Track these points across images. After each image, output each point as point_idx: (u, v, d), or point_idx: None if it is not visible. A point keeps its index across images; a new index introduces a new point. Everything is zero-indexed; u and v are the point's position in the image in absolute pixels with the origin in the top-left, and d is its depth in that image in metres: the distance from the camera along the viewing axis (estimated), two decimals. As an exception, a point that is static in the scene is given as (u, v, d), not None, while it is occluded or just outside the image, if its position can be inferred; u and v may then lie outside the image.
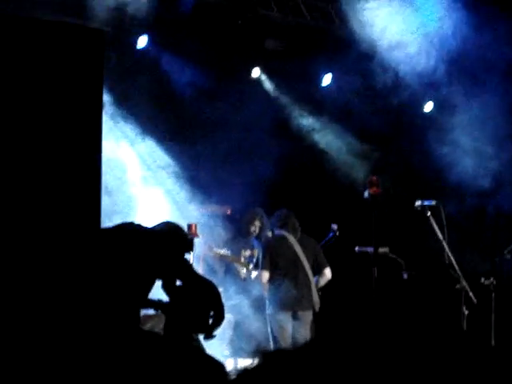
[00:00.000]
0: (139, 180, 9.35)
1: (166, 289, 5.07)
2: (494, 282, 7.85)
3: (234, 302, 8.61)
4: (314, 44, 9.85)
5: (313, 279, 8.31)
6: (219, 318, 4.90)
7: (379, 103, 10.24)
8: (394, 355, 1.38)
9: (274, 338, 8.14)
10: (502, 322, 7.74)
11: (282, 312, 8.09)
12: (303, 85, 10.47)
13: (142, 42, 9.33)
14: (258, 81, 10.44)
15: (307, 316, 8.19)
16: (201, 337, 5.18)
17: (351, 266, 8.99)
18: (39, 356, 3.34)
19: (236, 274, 9.15)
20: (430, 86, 10.08)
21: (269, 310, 8.23)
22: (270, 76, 10.49)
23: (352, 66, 9.79)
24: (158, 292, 5.11)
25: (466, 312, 6.73)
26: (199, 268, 7.94)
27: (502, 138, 9.89)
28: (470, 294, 6.71)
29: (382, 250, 7.60)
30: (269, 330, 8.22)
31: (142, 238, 4.89)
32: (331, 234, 9.03)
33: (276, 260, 8.25)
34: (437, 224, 6.76)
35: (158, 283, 5.10)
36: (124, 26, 8.89)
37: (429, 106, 10.81)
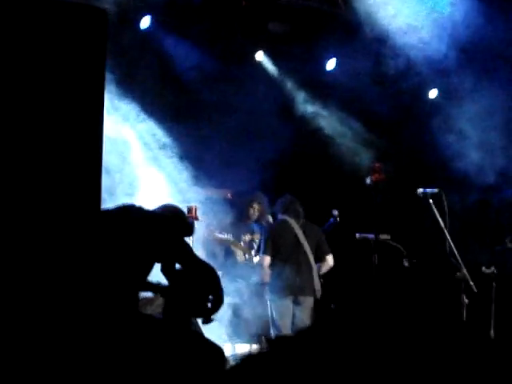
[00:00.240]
0: (140, 160, 9.30)
1: (165, 272, 5.05)
2: (495, 271, 7.84)
3: (233, 287, 8.59)
4: (318, 27, 9.77)
5: (315, 265, 8.28)
6: (218, 302, 4.88)
7: (385, 89, 10.17)
8: (393, 343, 1.38)
9: (274, 323, 8.12)
10: (502, 311, 7.73)
11: (283, 297, 8.08)
12: (307, 69, 10.41)
13: (145, 22, 9.27)
14: (261, 64, 10.38)
15: (308, 302, 8.17)
16: (199, 321, 5.16)
17: (352, 252, 8.97)
18: (38, 336, 3.31)
19: (236, 258, 9.13)
20: (438, 73, 10.00)
21: (269, 295, 8.21)
22: (274, 59, 10.42)
23: (358, 51, 9.72)
24: (157, 275, 5.09)
25: (466, 301, 6.72)
26: (199, 252, 7.90)
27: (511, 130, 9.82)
28: (471, 282, 6.69)
29: (382, 236, 7.59)
30: (269, 314, 8.20)
31: (143, 220, 4.87)
32: (332, 220, 9.02)
33: (278, 245, 8.23)
34: (439, 212, 6.73)
35: (158, 266, 5.08)
36: (127, 6, 8.83)
37: (433, 93, 10.74)
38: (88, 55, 3.73)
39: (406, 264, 8.01)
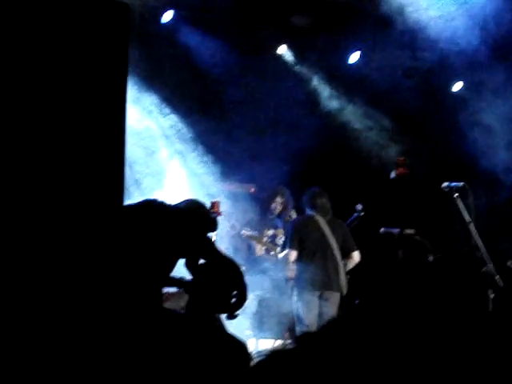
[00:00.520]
0: (164, 155, 9.32)
1: (188, 267, 5.04)
2: (521, 265, 7.77)
3: (257, 282, 8.57)
4: (342, 20, 9.71)
5: (341, 261, 8.22)
6: (242, 298, 4.85)
7: (413, 83, 10.07)
8: (418, 338, 1.36)
9: (300, 318, 8.07)
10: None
11: (309, 292, 8.03)
12: (331, 62, 10.36)
13: (168, 16, 9.28)
14: (284, 57, 10.34)
15: (334, 297, 8.12)
16: (223, 316, 5.14)
17: (376, 247, 8.92)
18: (56, 335, 3.31)
19: (256, 253, 9.10)
20: (467, 67, 9.86)
21: (295, 290, 8.17)
22: (298, 53, 10.38)
23: (384, 44, 9.64)
24: (180, 270, 5.08)
25: (492, 295, 6.65)
26: (222, 247, 7.90)
27: None
28: (497, 277, 6.62)
29: (407, 231, 7.54)
30: (294, 310, 8.16)
31: (166, 215, 4.86)
32: (356, 215, 8.97)
33: (304, 240, 8.17)
34: (465, 206, 6.67)
35: (181, 261, 5.06)
36: (151, 0, 8.85)
37: (458, 86, 10.63)
38: (111, 49, 3.72)
39: (431, 259, 7.95)
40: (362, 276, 8.79)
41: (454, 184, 6.80)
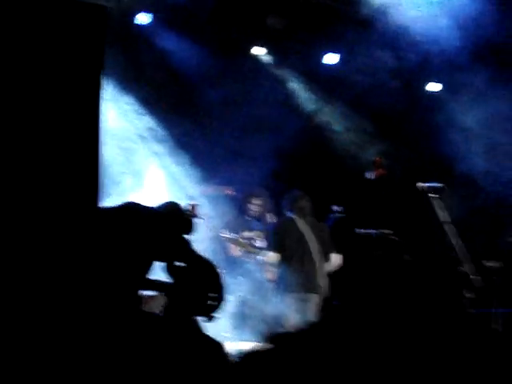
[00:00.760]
0: (141, 155, 9.28)
1: (166, 270, 5.03)
2: (497, 265, 7.84)
3: (237, 284, 8.56)
4: (318, 22, 9.72)
5: (320, 263, 8.23)
6: (220, 300, 4.86)
7: (391, 84, 10.10)
8: (395, 336, 1.37)
9: (279, 320, 8.08)
10: (505, 304, 7.72)
11: (289, 294, 8.04)
12: (308, 63, 10.38)
13: (144, 18, 9.27)
14: (260, 59, 10.34)
15: (314, 299, 8.13)
16: (201, 318, 5.14)
17: (353, 247, 8.94)
18: (33, 335, 3.29)
19: (233, 255, 9.07)
20: (447, 68, 9.89)
21: (275, 292, 8.18)
22: (273, 54, 10.38)
23: (358, 45, 9.67)
24: (158, 273, 5.06)
25: (469, 295, 6.70)
26: (200, 249, 7.87)
27: None
28: (473, 276, 6.67)
29: (384, 232, 7.58)
30: (274, 312, 8.16)
31: (143, 217, 4.84)
32: (333, 216, 8.98)
33: (284, 242, 8.19)
34: (441, 206, 6.71)
35: (159, 264, 5.05)
36: (127, 2, 8.81)
37: (437, 87, 10.67)
38: (87, 50, 3.72)
39: (408, 258, 8.00)
40: (339, 277, 8.81)
41: (430, 184, 6.85)
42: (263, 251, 8.62)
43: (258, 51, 10.27)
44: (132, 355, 4.15)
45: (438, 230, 6.88)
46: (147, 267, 4.91)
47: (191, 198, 8.55)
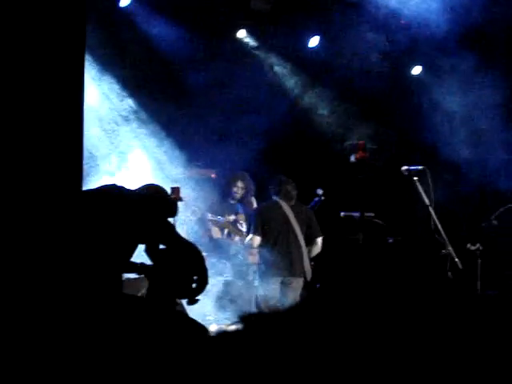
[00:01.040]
0: (124, 137, 9.22)
1: (149, 253, 5.01)
2: (480, 248, 7.86)
3: (220, 267, 8.56)
4: (302, 4, 9.68)
5: (305, 247, 8.24)
6: (203, 283, 4.85)
7: (376, 67, 10.08)
8: (379, 320, 1.35)
9: (259, 303, 8.11)
10: (488, 288, 7.75)
11: (271, 278, 8.05)
12: (292, 46, 10.33)
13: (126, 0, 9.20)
14: (244, 42, 10.29)
15: (297, 283, 8.14)
16: (184, 301, 5.13)
17: (336, 230, 8.95)
18: (18, 317, 3.28)
19: (216, 236, 9.07)
20: (434, 52, 9.85)
21: (258, 276, 8.20)
22: (257, 37, 10.34)
23: (344, 28, 9.63)
24: (141, 256, 5.05)
25: (452, 278, 6.72)
26: (183, 232, 7.86)
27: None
28: (456, 259, 6.69)
29: (367, 214, 7.58)
30: (255, 295, 8.18)
31: (125, 201, 4.82)
32: (316, 199, 8.99)
33: (267, 226, 8.19)
34: (424, 189, 6.72)
35: (141, 247, 5.04)
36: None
37: (417, 70, 10.66)
38: (67, 31, 3.68)
39: (391, 241, 8.01)
40: (322, 260, 8.83)
41: (413, 167, 6.85)
42: (246, 234, 8.62)
43: (243, 34, 10.22)
44: (115, 338, 4.14)
45: (422, 213, 6.89)
46: (131, 250, 4.90)
47: (175, 180, 8.52)
